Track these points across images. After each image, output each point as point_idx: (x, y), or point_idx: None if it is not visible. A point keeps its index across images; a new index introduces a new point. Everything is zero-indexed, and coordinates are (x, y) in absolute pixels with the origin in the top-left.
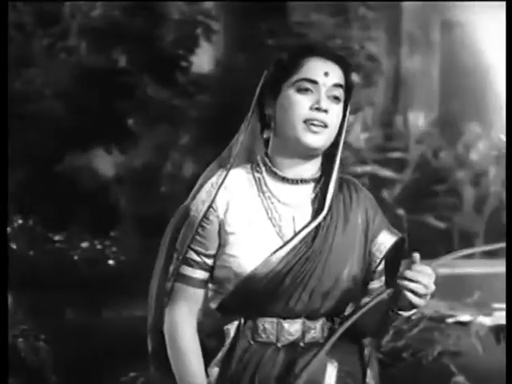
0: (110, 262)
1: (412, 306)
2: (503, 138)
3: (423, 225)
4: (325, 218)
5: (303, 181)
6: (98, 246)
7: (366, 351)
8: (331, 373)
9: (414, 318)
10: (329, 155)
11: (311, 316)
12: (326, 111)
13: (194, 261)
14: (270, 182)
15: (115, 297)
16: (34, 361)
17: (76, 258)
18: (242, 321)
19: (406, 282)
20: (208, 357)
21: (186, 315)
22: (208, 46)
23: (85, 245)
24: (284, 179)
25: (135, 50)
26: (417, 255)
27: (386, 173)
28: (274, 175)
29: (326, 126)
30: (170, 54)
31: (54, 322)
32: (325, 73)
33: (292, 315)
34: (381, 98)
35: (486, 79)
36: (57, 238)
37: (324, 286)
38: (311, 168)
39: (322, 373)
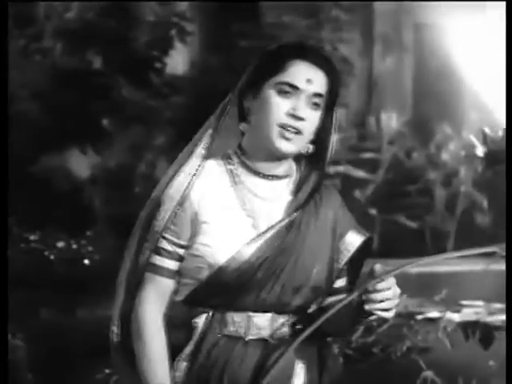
0: (86, 261)
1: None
2: (473, 138)
3: (395, 224)
4: (298, 214)
5: (276, 177)
6: (74, 246)
7: (325, 353)
8: (299, 372)
9: None
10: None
11: (280, 310)
12: (302, 119)
13: (166, 250)
14: (244, 174)
15: (90, 296)
16: (10, 360)
17: (52, 257)
18: (211, 314)
19: (375, 305)
20: (176, 351)
21: (153, 304)
22: (182, 48)
23: (61, 244)
24: (257, 173)
25: (110, 51)
26: (378, 267)
27: (359, 173)
28: (248, 168)
29: (299, 133)
30: (144, 55)
31: (30, 321)
32: (307, 80)
33: (261, 308)
34: (354, 99)
35: (457, 80)
36: (32, 237)
37: (295, 280)
38: (284, 165)
39: (289, 372)
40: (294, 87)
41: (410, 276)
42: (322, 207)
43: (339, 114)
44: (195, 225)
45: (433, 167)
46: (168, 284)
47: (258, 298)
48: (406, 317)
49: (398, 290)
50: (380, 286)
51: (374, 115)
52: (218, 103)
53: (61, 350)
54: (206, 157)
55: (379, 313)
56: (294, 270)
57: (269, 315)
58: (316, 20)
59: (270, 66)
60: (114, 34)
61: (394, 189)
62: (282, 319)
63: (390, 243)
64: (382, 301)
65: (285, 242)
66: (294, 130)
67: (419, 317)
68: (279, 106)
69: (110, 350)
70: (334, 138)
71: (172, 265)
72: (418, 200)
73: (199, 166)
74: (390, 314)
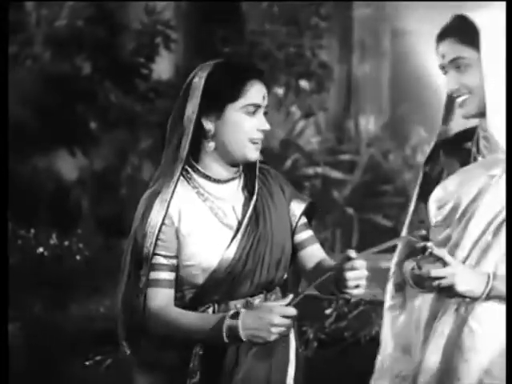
0: (77, 257)
1: None
2: None
3: (372, 223)
4: (257, 202)
5: (231, 179)
6: (66, 243)
7: (292, 348)
8: (292, 359)
9: (353, 300)
10: None
11: (270, 288)
12: (265, 131)
13: (161, 264)
14: (203, 183)
15: (82, 291)
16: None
17: (46, 254)
18: (216, 306)
19: (346, 282)
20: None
21: (164, 306)
22: (167, 55)
23: (53, 241)
24: (215, 180)
25: (98, 58)
26: (352, 251)
27: (337, 174)
28: (206, 177)
29: (262, 141)
30: (130, 61)
31: (25, 313)
32: (263, 96)
33: (257, 291)
34: (333, 103)
35: (431, 85)
36: (26, 234)
37: (275, 258)
38: (234, 168)
39: (286, 359)
40: (257, 106)
41: (379, 269)
42: (272, 188)
43: (319, 118)
44: (180, 238)
45: (408, 168)
46: (170, 293)
47: (252, 284)
48: (374, 304)
49: (366, 272)
50: (355, 264)
51: (352, 119)
52: None
53: (52, 343)
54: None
55: (349, 290)
56: (272, 251)
57: (262, 295)
58: (296, 28)
59: (230, 91)
60: (102, 42)
61: (371, 189)
62: (273, 295)
63: (367, 241)
64: (353, 279)
65: (258, 231)
66: (260, 141)
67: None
68: (250, 126)
69: (99, 341)
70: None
71: (169, 275)
72: (393, 200)
73: (174, 188)
74: (358, 292)
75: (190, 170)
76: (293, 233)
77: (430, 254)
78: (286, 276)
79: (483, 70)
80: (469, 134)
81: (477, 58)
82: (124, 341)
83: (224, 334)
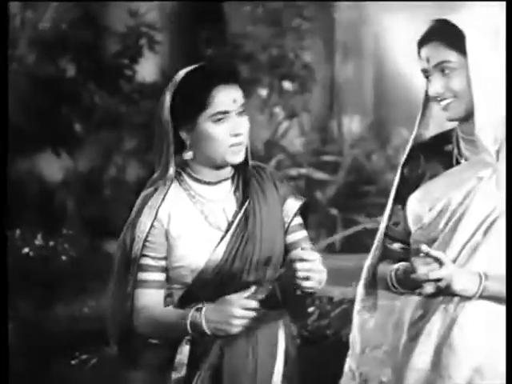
0: (63, 257)
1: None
2: None
3: (355, 223)
4: (249, 203)
5: (221, 180)
6: (51, 243)
7: (280, 345)
8: (281, 339)
9: (336, 300)
10: None
11: (259, 283)
12: (242, 134)
13: (150, 265)
14: (194, 185)
15: (68, 291)
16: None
17: (32, 254)
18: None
19: (298, 274)
20: (176, 338)
21: (152, 305)
22: (151, 56)
23: (38, 242)
24: (206, 183)
25: (82, 59)
26: (306, 247)
27: (320, 175)
28: (197, 180)
29: (243, 143)
30: (115, 63)
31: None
32: (233, 100)
33: (246, 287)
34: (316, 104)
35: (413, 87)
36: (10, 235)
37: (263, 256)
38: (224, 170)
39: (274, 339)
40: (225, 112)
41: (360, 269)
42: (266, 187)
43: (303, 119)
44: (169, 240)
45: (391, 169)
46: (159, 293)
47: (241, 281)
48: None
49: (318, 266)
50: (302, 256)
51: (335, 120)
52: None
53: (37, 340)
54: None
55: (299, 282)
56: (261, 250)
57: (251, 289)
58: (279, 29)
59: (198, 102)
60: (86, 44)
61: (355, 190)
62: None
63: (350, 240)
64: (303, 271)
65: (247, 231)
66: (240, 144)
67: None
68: (221, 133)
69: (85, 341)
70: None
71: (158, 276)
72: (376, 200)
73: (164, 196)
74: (310, 285)
75: (182, 172)
76: (286, 232)
77: (427, 255)
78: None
79: (469, 74)
80: (447, 137)
81: (463, 62)
82: (114, 341)
83: (188, 328)
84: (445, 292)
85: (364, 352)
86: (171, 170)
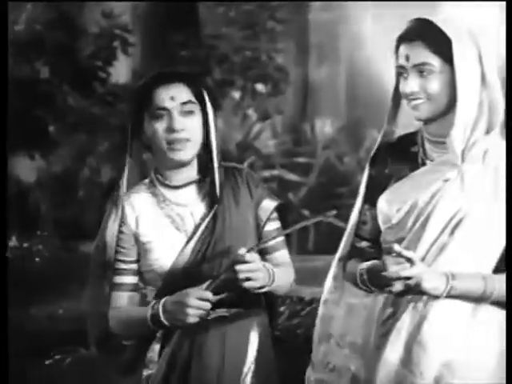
0: (37, 259)
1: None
2: None
3: (326, 224)
4: (218, 207)
5: (187, 184)
6: (25, 245)
7: (252, 340)
8: (253, 340)
9: (307, 299)
10: (208, 156)
11: (216, 277)
12: (182, 130)
13: (123, 269)
14: (164, 191)
15: (41, 292)
16: None
17: (7, 255)
18: None
19: (240, 275)
20: (149, 337)
21: (125, 307)
22: (125, 58)
23: (12, 243)
24: (173, 187)
25: (56, 61)
26: (242, 249)
27: (293, 176)
28: (164, 185)
29: (188, 140)
30: (88, 65)
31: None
32: (171, 97)
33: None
34: (289, 106)
35: (386, 89)
36: None
37: (233, 259)
38: (190, 172)
39: (246, 339)
40: (162, 108)
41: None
42: (239, 190)
43: (276, 121)
44: (140, 244)
45: (363, 171)
46: (132, 296)
47: (213, 275)
48: None
49: (258, 265)
50: (243, 258)
51: (308, 121)
52: None
53: (12, 340)
54: (132, 191)
55: (242, 283)
56: (230, 253)
57: (207, 282)
58: (252, 31)
59: (142, 100)
60: (60, 45)
61: (327, 191)
62: None
63: (322, 242)
64: (243, 272)
65: (214, 234)
66: (180, 141)
67: None
68: (159, 129)
69: (60, 341)
70: (215, 137)
71: (131, 279)
72: (348, 201)
73: (122, 211)
74: (251, 285)
75: (153, 177)
76: (260, 234)
77: (399, 254)
78: None
79: (450, 80)
80: (412, 138)
81: (445, 69)
82: (92, 343)
83: (149, 321)
84: (414, 290)
85: (328, 342)
86: (133, 176)
